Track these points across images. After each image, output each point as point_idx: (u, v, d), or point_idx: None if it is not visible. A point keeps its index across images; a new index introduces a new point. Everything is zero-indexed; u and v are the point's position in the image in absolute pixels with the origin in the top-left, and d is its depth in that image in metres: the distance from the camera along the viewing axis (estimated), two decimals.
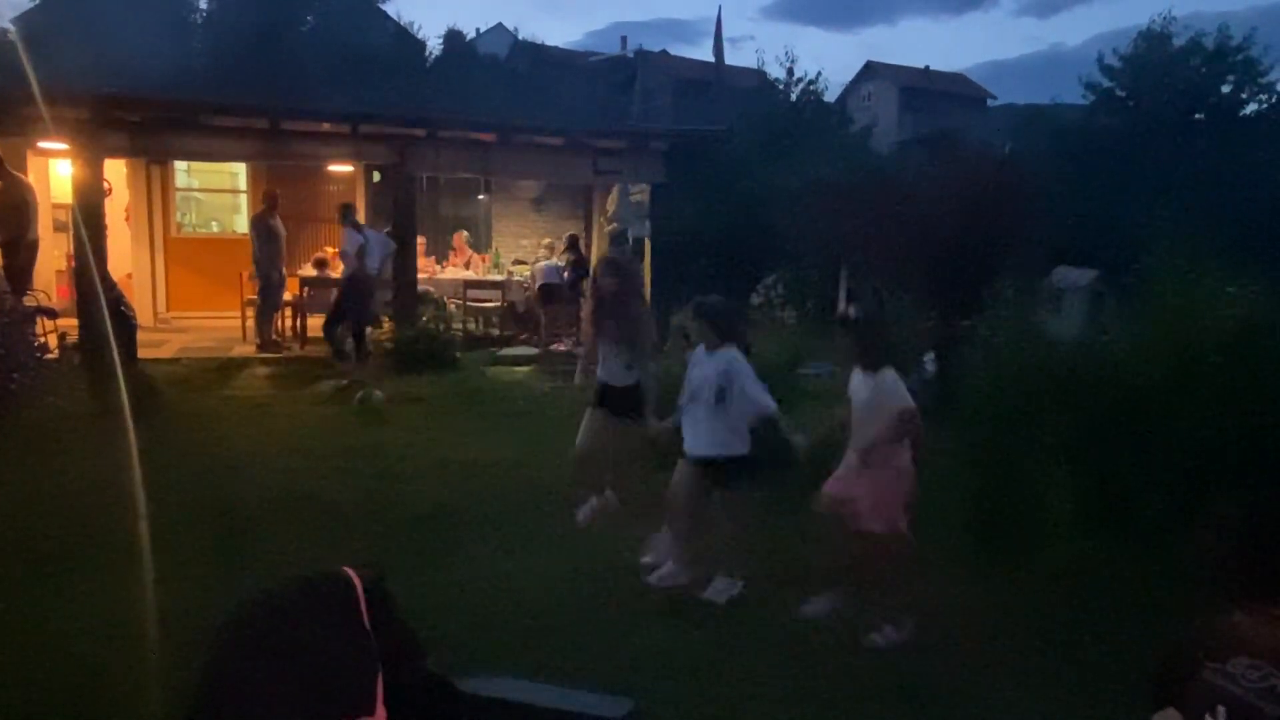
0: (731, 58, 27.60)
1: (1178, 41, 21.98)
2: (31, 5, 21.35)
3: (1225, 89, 21.75)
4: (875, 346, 4.02)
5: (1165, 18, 22.24)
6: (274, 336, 10.77)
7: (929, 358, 6.61)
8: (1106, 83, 22.61)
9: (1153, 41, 22.10)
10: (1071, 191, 13.91)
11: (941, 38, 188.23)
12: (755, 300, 14.19)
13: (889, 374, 3.94)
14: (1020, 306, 5.09)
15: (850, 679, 3.62)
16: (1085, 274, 12.48)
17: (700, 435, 4.39)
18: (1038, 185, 9.99)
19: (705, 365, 4.42)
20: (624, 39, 40.97)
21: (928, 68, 48.36)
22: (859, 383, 4.03)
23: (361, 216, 13.56)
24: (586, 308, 5.11)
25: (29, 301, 8.83)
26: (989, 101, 45.84)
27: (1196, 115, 21.25)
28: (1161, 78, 21.29)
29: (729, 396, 4.28)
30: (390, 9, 27.16)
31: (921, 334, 5.51)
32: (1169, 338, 4.69)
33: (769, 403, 4.31)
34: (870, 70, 47.10)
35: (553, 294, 11.70)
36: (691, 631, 4.02)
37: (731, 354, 4.37)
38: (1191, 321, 4.64)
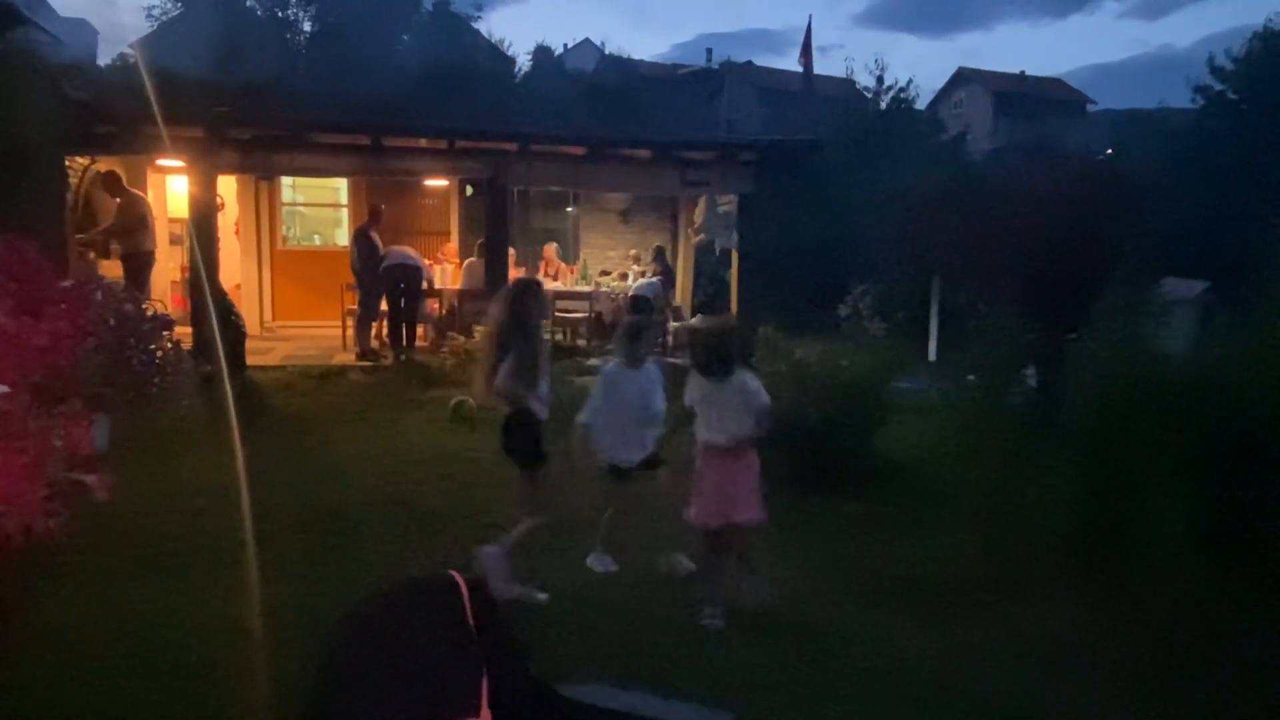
0: (821, 67, 27.35)
1: None
2: (150, 30, 22.59)
3: None
4: (727, 355, 4.22)
5: None
6: (372, 345, 11.13)
7: (1030, 371, 6.41)
8: (1217, 85, 21.60)
9: (1268, 41, 21.03)
10: (1179, 200, 13.32)
11: (1041, 42, 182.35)
12: (843, 311, 14.00)
13: (746, 375, 4.21)
14: (1128, 319, 4.90)
15: (952, 702, 3.53)
16: (1194, 286, 11.93)
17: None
18: (1143, 193, 9.60)
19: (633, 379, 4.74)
20: (709, 51, 41.10)
21: (1023, 73, 47.07)
22: (708, 389, 4.22)
23: (455, 228, 13.96)
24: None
25: (146, 310, 9.31)
26: (1088, 106, 44.34)
27: None
28: (1277, 79, 20.23)
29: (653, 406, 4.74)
30: (481, 27, 27.84)
31: (1023, 347, 5.36)
32: None
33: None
34: (962, 76, 46.10)
35: (642, 306, 11.77)
36: (783, 646, 3.97)
37: (654, 368, 4.81)
38: None
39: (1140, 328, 4.96)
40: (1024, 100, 42.02)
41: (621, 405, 4.68)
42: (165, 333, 4.50)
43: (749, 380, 4.19)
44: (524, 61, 28.28)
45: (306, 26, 23.86)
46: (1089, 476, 4.55)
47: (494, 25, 60.64)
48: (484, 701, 1.49)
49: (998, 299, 6.45)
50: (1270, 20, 21.28)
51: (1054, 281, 7.08)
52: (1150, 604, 4.19)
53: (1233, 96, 21.19)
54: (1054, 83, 47.47)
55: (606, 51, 34.87)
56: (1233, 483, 4.32)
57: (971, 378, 5.46)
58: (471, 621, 1.59)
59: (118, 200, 10.37)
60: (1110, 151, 20.99)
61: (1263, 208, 10.17)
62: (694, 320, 5.28)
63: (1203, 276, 11.95)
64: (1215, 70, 21.66)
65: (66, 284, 2.42)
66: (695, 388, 4.28)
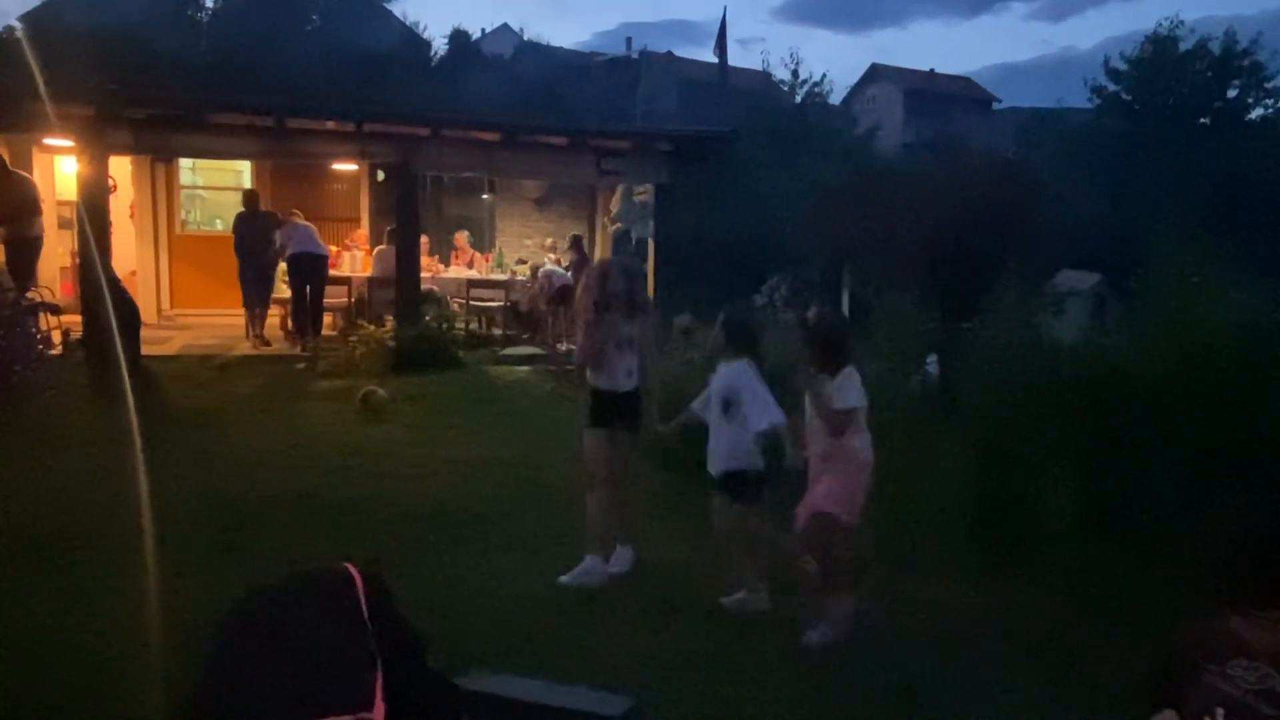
0: (741, 59, 27.82)
1: (1184, 46, 21.97)
2: (39, 3, 21.41)
3: (1232, 93, 21.75)
4: (838, 350, 3.96)
5: (1172, 22, 22.24)
6: (278, 333, 10.82)
7: (931, 359, 6.62)
8: (1111, 86, 22.63)
9: (1159, 45, 22.10)
10: (1075, 195, 13.92)
11: (952, 40, 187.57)
12: (758, 302, 14.21)
13: (847, 373, 3.89)
14: (1023, 310, 5.10)
15: (850, 681, 3.61)
16: (1087, 278, 12.48)
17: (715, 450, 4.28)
18: (1041, 188, 10.00)
19: (719, 377, 4.29)
20: (629, 40, 41.09)
21: (932, 70, 48.37)
22: (815, 383, 3.93)
23: (365, 215, 13.64)
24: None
25: (33, 297, 8.85)
26: (994, 105, 45.85)
27: (1202, 119, 21.25)
28: (1167, 81, 21.31)
29: (735, 411, 4.15)
30: (396, 9, 27.32)
31: (924, 336, 5.52)
32: (1172, 342, 4.69)
33: (762, 422, 4.13)
34: (875, 73, 47.10)
35: (567, 295, 11.71)
36: (691, 632, 4.02)
37: (741, 366, 4.20)
38: (1195, 326, 4.64)
39: (1034, 318, 5.16)
40: (934, 97, 43.21)
41: (711, 401, 4.25)
42: (30, 318, 4.24)
43: (844, 378, 3.86)
44: (440, 45, 27.81)
45: (209, 3, 22.97)
46: (984, 460, 4.73)
47: (409, 7, 59.24)
48: (378, 696, 1.45)
49: (902, 289, 6.64)
50: (1160, 25, 22.38)
51: (954, 273, 7.32)
52: (1041, 581, 4.38)
53: (1126, 97, 22.23)
54: (962, 80, 48.92)
55: (525, 38, 34.53)
56: (1116, 466, 4.53)
57: (873, 365, 5.59)
58: (366, 614, 1.54)
59: None
60: (1013, 149, 21.78)
61: (1153, 202, 10.70)
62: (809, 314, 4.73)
63: (1097, 269, 12.51)
64: (1110, 72, 22.67)
65: None
66: (806, 382, 3.98)
